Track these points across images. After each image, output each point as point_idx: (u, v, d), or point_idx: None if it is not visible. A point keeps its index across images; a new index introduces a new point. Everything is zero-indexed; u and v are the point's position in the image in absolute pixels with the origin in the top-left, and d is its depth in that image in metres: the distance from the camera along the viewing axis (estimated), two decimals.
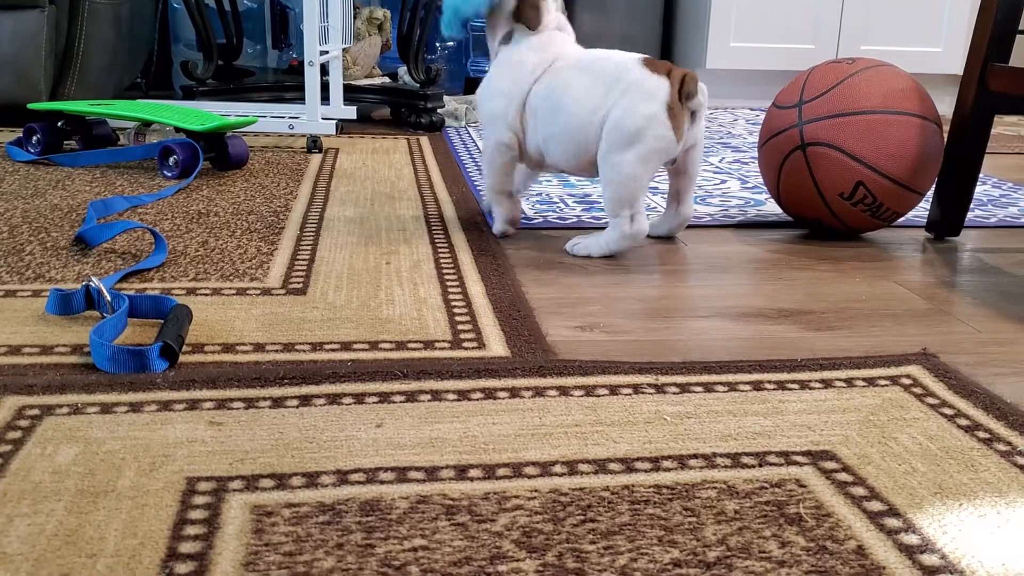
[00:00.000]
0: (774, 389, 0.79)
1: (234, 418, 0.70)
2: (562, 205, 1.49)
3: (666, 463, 0.66)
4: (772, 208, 1.50)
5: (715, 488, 0.62)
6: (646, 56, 1.19)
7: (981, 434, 0.71)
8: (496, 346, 0.87)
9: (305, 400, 0.74)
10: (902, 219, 1.39)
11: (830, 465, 0.66)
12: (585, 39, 1.34)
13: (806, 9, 2.80)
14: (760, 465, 0.66)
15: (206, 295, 0.99)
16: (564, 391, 0.77)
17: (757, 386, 0.79)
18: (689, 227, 1.36)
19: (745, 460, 0.66)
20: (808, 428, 0.72)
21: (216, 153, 1.62)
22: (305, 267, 1.10)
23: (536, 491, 0.61)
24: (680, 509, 0.59)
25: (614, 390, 0.77)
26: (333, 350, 0.85)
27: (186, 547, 0.54)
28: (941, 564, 0.54)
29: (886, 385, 0.80)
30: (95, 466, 0.62)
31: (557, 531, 0.57)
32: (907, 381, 0.81)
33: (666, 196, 1.31)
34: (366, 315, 0.94)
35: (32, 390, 0.73)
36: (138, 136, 1.73)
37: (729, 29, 2.78)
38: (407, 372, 0.79)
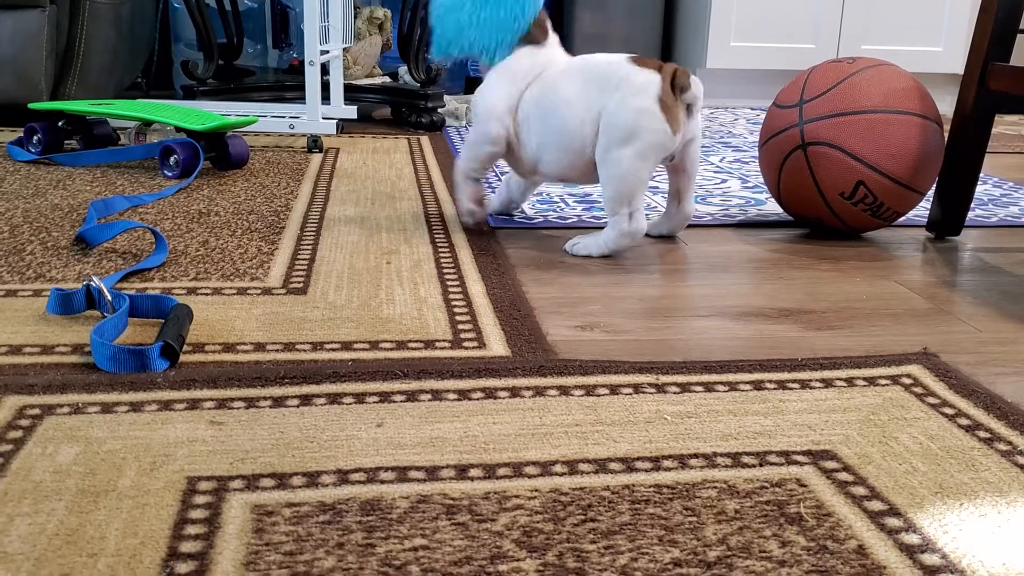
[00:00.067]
0: (775, 389, 0.79)
1: (235, 418, 0.70)
2: (562, 205, 1.49)
3: (667, 463, 0.66)
4: (773, 207, 1.50)
5: (715, 488, 0.62)
6: (634, 55, 1.20)
7: (982, 434, 0.71)
8: (496, 346, 0.87)
9: (306, 400, 0.74)
10: (903, 219, 1.39)
11: (831, 465, 0.66)
12: (585, 39, 1.34)
13: (806, 9, 2.79)
14: (761, 465, 0.66)
15: (207, 295, 0.99)
16: (564, 391, 0.77)
17: (758, 386, 0.79)
18: (689, 226, 1.36)
19: (746, 460, 0.66)
20: (809, 428, 0.72)
21: (217, 153, 1.62)
22: (306, 267, 1.10)
23: (536, 491, 0.61)
24: (680, 509, 0.59)
25: (614, 390, 0.77)
26: (334, 350, 0.85)
27: (187, 546, 0.54)
28: (942, 564, 0.54)
29: (887, 385, 0.80)
30: (96, 466, 0.63)
31: (557, 531, 0.57)
32: (908, 381, 0.81)
33: (667, 195, 1.31)
34: (367, 315, 0.94)
35: (33, 390, 0.73)
36: (139, 136, 1.73)
37: (729, 29, 2.78)
38: (407, 372, 0.79)
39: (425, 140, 2.08)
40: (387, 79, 2.62)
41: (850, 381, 0.81)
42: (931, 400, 0.77)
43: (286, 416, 0.71)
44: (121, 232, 1.19)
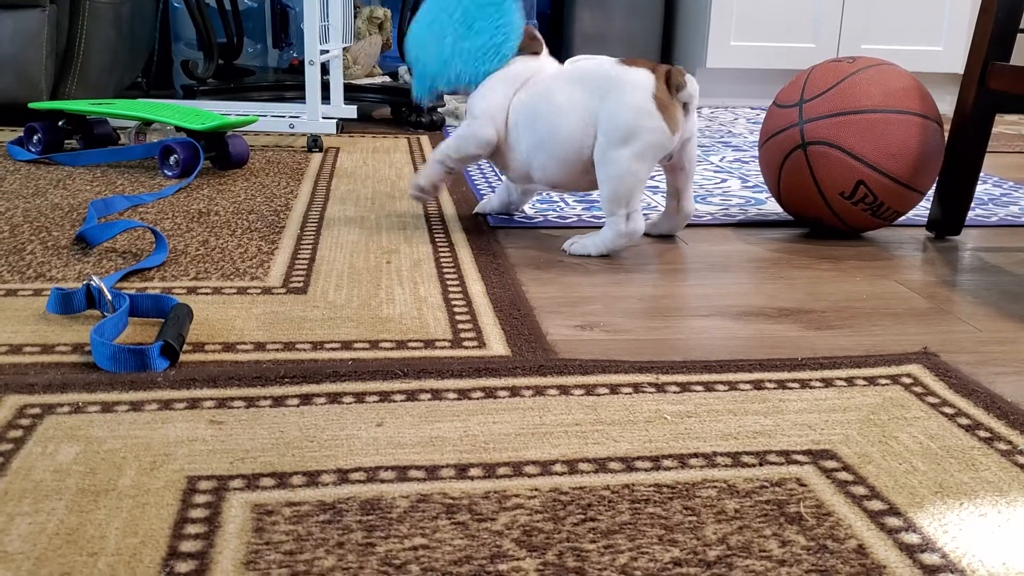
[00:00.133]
0: (775, 388, 0.79)
1: (235, 417, 0.70)
2: (562, 204, 1.49)
3: (666, 462, 0.66)
4: (773, 207, 1.50)
5: (715, 487, 0.62)
6: (623, 58, 1.21)
7: (982, 433, 0.71)
8: (496, 345, 0.87)
9: (306, 399, 0.74)
10: (903, 218, 1.39)
11: (830, 464, 0.66)
12: (585, 39, 1.35)
13: (807, 8, 2.79)
14: (760, 464, 0.66)
15: (207, 294, 0.99)
16: (564, 390, 0.77)
17: (758, 385, 0.79)
18: (689, 226, 1.36)
19: (745, 459, 0.66)
20: (809, 427, 0.72)
21: (217, 152, 1.62)
22: (306, 266, 1.10)
23: (536, 490, 0.61)
24: (680, 508, 0.60)
25: (614, 389, 0.77)
26: (334, 349, 0.85)
27: (187, 546, 0.54)
28: (942, 563, 0.54)
29: (887, 384, 0.80)
30: (96, 465, 0.63)
31: (557, 530, 0.57)
32: (908, 380, 0.81)
33: (665, 195, 1.31)
34: (366, 314, 0.94)
35: (33, 389, 0.73)
36: (139, 135, 1.73)
37: (730, 28, 2.78)
38: (407, 371, 0.79)
39: (425, 140, 2.08)
40: (387, 78, 2.62)
41: (850, 381, 0.81)
42: (931, 400, 0.77)
43: (286, 415, 0.71)
44: (121, 232, 1.19)
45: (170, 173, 1.56)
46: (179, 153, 1.54)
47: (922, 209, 1.47)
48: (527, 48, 1.27)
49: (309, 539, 0.55)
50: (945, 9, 2.83)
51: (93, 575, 0.51)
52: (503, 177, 1.35)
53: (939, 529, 0.58)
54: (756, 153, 2.02)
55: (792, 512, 0.60)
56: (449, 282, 1.06)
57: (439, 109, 2.27)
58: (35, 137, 1.69)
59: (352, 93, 2.32)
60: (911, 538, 0.57)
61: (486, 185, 1.61)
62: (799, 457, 0.67)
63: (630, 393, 0.77)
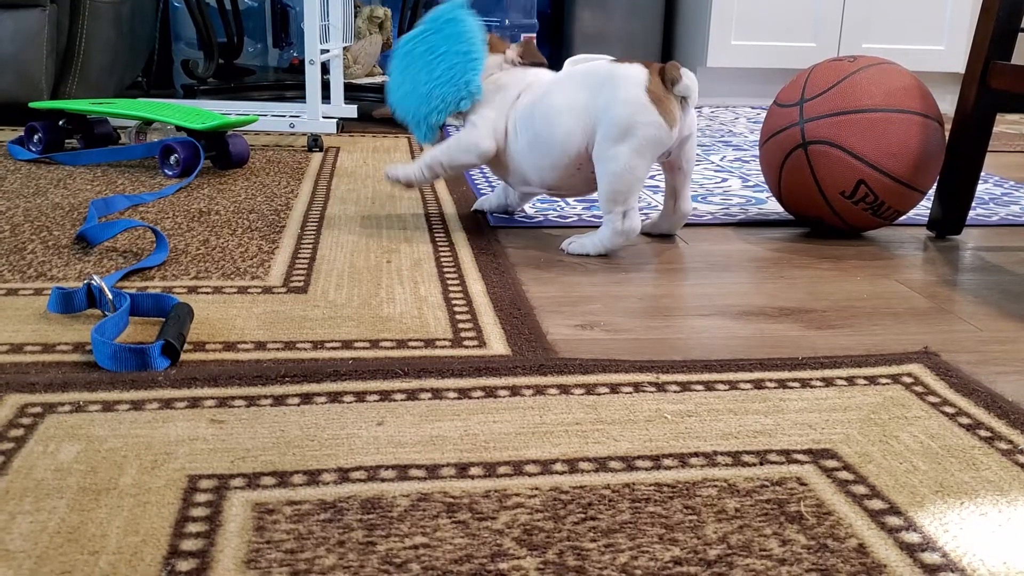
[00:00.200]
0: (775, 387, 0.79)
1: (235, 416, 0.70)
2: (562, 204, 1.49)
3: (667, 461, 0.66)
4: (773, 206, 1.50)
5: (716, 486, 0.62)
6: (621, 58, 1.22)
7: (982, 432, 0.71)
8: (497, 344, 0.87)
9: (306, 398, 0.74)
10: (903, 217, 1.39)
11: (831, 463, 0.66)
12: (585, 38, 1.35)
13: (807, 7, 2.79)
14: (761, 463, 0.66)
15: (207, 293, 0.99)
16: (565, 389, 0.77)
17: (758, 384, 0.79)
18: (690, 225, 1.36)
19: (746, 458, 0.66)
20: (809, 426, 0.72)
21: (217, 152, 1.62)
22: (306, 265, 1.10)
23: (537, 489, 0.61)
24: (681, 507, 0.60)
25: (615, 388, 0.77)
26: (334, 348, 0.85)
27: (188, 544, 0.54)
28: (942, 562, 0.54)
29: (887, 384, 0.80)
30: (97, 464, 0.63)
31: (558, 529, 0.57)
32: (908, 379, 0.81)
33: (664, 194, 1.31)
34: (367, 313, 0.94)
35: (34, 388, 0.73)
36: (139, 135, 1.73)
37: (730, 27, 2.78)
38: (408, 370, 0.79)
39: None
40: (387, 78, 2.62)
41: (851, 380, 0.81)
42: (932, 399, 0.77)
43: (287, 414, 0.71)
44: (122, 231, 1.19)
45: (170, 172, 1.56)
46: (179, 152, 1.54)
47: (923, 208, 1.47)
48: (526, 58, 1.28)
49: (310, 538, 0.55)
50: (946, 8, 2.83)
51: (94, 573, 0.51)
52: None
53: (940, 528, 0.58)
54: (757, 152, 2.02)
55: (793, 511, 0.60)
56: (449, 281, 1.06)
57: None
58: (36, 136, 1.69)
59: (352, 92, 2.32)
60: (911, 537, 0.57)
61: (486, 184, 1.61)
62: (800, 456, 0.67)
63: (630, 392, 0.77)
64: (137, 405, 0.71)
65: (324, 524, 0.56)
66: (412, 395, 0.75)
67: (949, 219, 1.34)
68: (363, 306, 0.97)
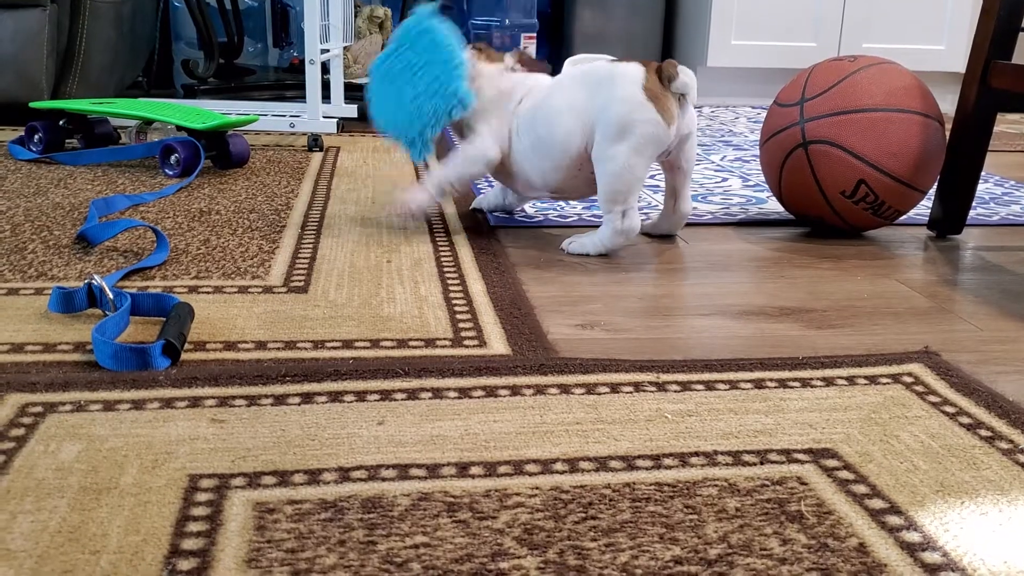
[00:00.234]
0: (775, 387, 0.79)
1: (236, 415, 0.70)
2: (563, 203, 1.49)
3: (667, 461, 0.66)
4: (773, 206, 1.50)
5: (716, 486, 0.62)
6: (620, 58, 1.22)
7: (983, 432, 0.71)
8: (497, 344, 0.87)
9: (307, 398, 0.74)
10: (904, 217, 1.39)
11: (831, 463, 0.66)
12: (586, 38, 1.35)
13: (807, 7, 2.79)
14: (761, 463, 0.66)
15: (208, 293, 0.99)
16: (565, 389, 0.77)
17: (758, 384, 0.79)
18: (690, 225, 1.36)
19: (746, 458, 0.66)
20: (809, 426, 0.72)
21: (217, 152, 1.62)
22: (306, 265, 1.10)
23: (537, 488, 0.61)
24: (681, 507, 0.60)
25: (615, 388, 0.77)
26: (335, 348, 0.85)
27: (189, 544, 0.54)
28: (943, 562, 0.55)
29: (888, 383, 0.80)
30: (98, 463, 0.63)
31: (558, 528, 0.57)
32: (909, 379, 0.81)
33: (664, 194, 1.31)
34: (367, 313, 0.94)
35: (35, 387, 0.73)
36: (139, 135, 1.73)
37: (730, 27, 2.78)
38: (408, 370, 0.79)
39: None
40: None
41: (851, 380, 0.81)
42: (932, 399, 0.77)
43: (287, 414, 0.71)
44: (122, 231, 1.19)
45: (171, 172, 1.56)
46: (180, 152, 1.54)
47: (923, 208, 1.47)
48: (526, 66, 1.28)
49: (311, 537, 0.55)
50: (946, 8, 2.83)
51: (95, 573, 0.51)
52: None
53: (940, 528, 0.58)
54: (757, 152, 2.02)
55: (793, 510, 0.60)
56: (450, 281, 1.06)
57: None
58: (36, 136, 1.69)
59: (353, 92, 2.32)
60: (912, 537, 0.57)
61: (485, 182, 1.61)
62: (800, 456, 0.67)
63: (631, 392, 0.77)
64: (138, 404, 0.72)
65: (325, 523, 0.56)
66: (413, 395, 0.75)
67: (950, 219, 1.34)
68: (363, 306, 0.97)
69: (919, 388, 0.79)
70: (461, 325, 0.92)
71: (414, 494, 0.60)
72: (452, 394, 0.75)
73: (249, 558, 0.53)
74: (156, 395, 0.73)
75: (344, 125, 2.12)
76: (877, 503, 0.61)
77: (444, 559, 0.53)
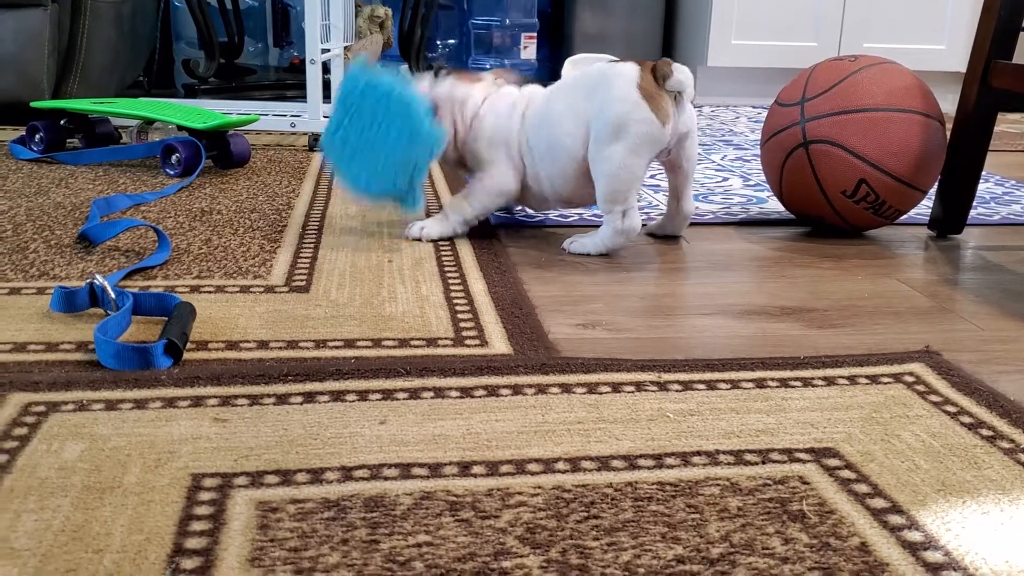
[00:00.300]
0: (777, 387, 0.79)
1: (239, 415, 0.70)
2: None
3: (669, 460, 0.66)
4: (774, 205, 1.50)
5: (718, 485, 0.62)
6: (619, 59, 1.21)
7: (984, 431, 0.72)
8: (498, 343, 0.87)
9: (309, 397, 0.74)
10: (904, 217, 1.39)
11: (833, 462, 0.66)
12: (586, 38, 1.35)
13: (808, 6, 2.80)
14: (763, 462, 0.66)
15: (210, 292, 0.99)
16: (567, 388, 0.77)
17: (760, 383, 0.79)
18: (691, 224, 1.36)
19: (748, 457, 0.66)
20: (811, 425, 0.72)
21: (218, 151, 1.62)
22: (308, 265, 1.10)
23: (539, 488, 0.61)
24: (683, 506, 0.60)
25: (617, 387, 0.77)
26: (336, 347, 0.85)
27: (192, 543, 0.54)
28: (944, 561, 0.55)
29: (889, 383, 0.80)
30: (101, 462, 0.63)
31: (561, 527, 0.57)
32: (910, 379, 0.81)
33: (667, 195, 1.31)
34: (369, 312, 0.94)
35: (37, 387, 0.74)
36: (140, 134, 1.73)
37: (731, 26, 2.78)
38: (410, 369, 0.79)
39: None
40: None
41: (852, 379, 0.81)
42: (933, 398, 0.77)
43: (290, 413, 0.71)
44: (124, 230, 1.19)
45: (172, 172, 1.56)
46: (181, 152, 1.54)
47: (924, 208, 1.47)
48: (508, 82, 1.26)
49: (314, 536, 0.55)
50: (947, 7, 2.83)
51: (99, 572, 0.51)
52: None
53: (942, 527, 0.58)
54: (757, 152, 2.02)
55: (795, 510, 0.60)
56: (451, 281, 1.06)
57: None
58: (37, 136, 1.69)
59: None
60: (914, 536, 0.57)
61: None
62: (802, 455, 0.67)
63: (632, 391, 0.77)
64: (140, 404, 0.72)
65: (328, 522, 0.57)
66: (414, 394, 0.75)
67: (950, 218, 1.34)
68: (365, 305, 0.97)
69: (920, 388, 0.79)
70: (462, 325, 0.92)
71: (416, 493, 0.60)
72: (454, 393, 0.75)
73: (252, 557, 0.53)
74: (158, 394, 0.73)
75: None
76: (879, 502, 0.61)
77: (447, 558, 0.53)
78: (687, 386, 0.78)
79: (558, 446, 0.67)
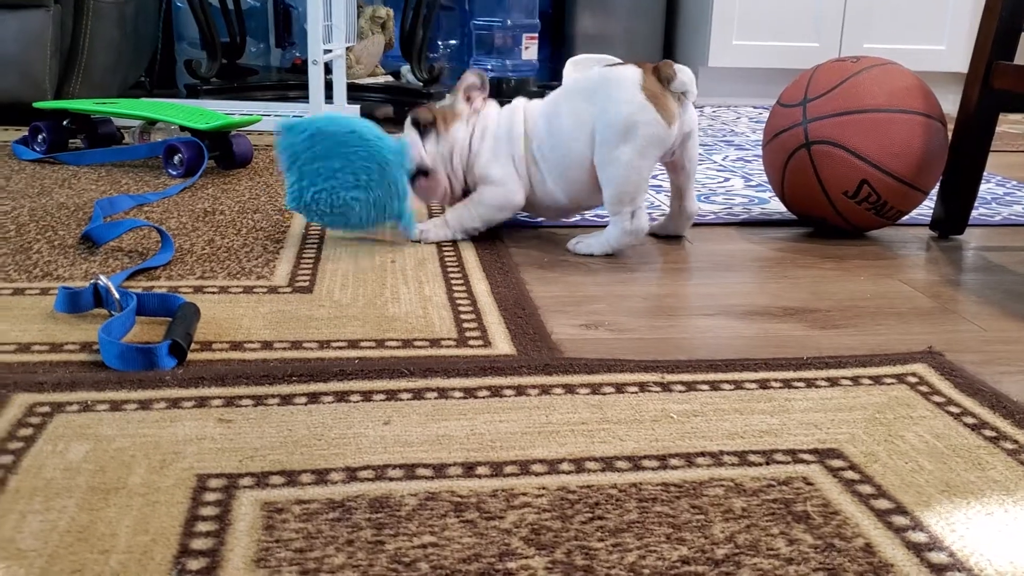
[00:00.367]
0: (780, 387, 0.79)
1: (243, 415, 0.71)
2: None
3: (673, 461, 0.66)
4: (776, 206, 1.50)
5: (722, 486, 0.63)
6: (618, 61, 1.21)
7: (987, 432, 0.72)
8: (502, 344, 0.88)
9: (313, 397, 0.74)
10: (906, 217, 1.39)
11: (837, 463, 0.66)
12: (586, 39, 1.35)
13: (808, 7, 2.80)
14: (767, 463, 0.66)
15: (213, 293, 0.99)
16: (570, 389, 0.77)
17: (763, 384, 0.79)
18: (693, 225, 1.36)
19: (752, 458, 0.67)
20: (815, 426, 0.72)
21: (221, 152, 1.62)
22: (311, 265, 1.10)
23: (544, 488, 0.61)
24: (688, 507, 0.60)
25: (620, 388, 0.77)
26: (340, 348, 0.85)
27: (198, 543, 0.54)
28: (949, 562, 0.55)
29: (892, 383, 0.80)
30: (106, 463, 0.63)
31: (565, 528, 0.57)
32: (913, 379, 0.81)
33: (669, 195, 1.31)
34: (372, 313, 0.95)
35: (42, 388, 0.74)
36: (143, 135, 1.73)
37: (732, 27, 2.78)
38: (414, 370, 0.79)
39: None
40: (390, 78, 2.62)
41: (856, 380, 0.81)
42: (937, 399, 0.77)
43: (294, 414, 0.71)
44: (127, 231, 1.20)
45: (174, 172, 1.56)
46: (183, 152, 1.54)
47: (926, 208, 1.47)
48: (480, 93, 1.25)
49: (319, 537, 0.55)
50: (948, 8, 2.84)
51: (105, 572, 0.51)
52: None
53: (946, 528, 0.58)
54: (759, 152, 2.02)
55: (799, 511, 0.60)
56: (454, 281, 1.06)
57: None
58: (40, 136, 1.69)
59: (355, 92, 2.32)
60: (918, 537, 0.57)
61: None
62: (806, 456, 0.67)
63: (636, 392, 0.77)
64: (145, 404, 0.72)
65: (333, 523, 0.57)
66: (418, 394, 0.75)
67: (952, 219, 1.34)
68: (368, 306, 0.97)
69: (923, 388, 0.79)
70: (465, 325, 0.92)
71: (421, 494, 0.60)
72: (457, 394, 0.75)
73: (258, 558, 0.53)
74: (163, 395, 0.73)
75: None
76: (883, 503, 0.61)
77: (452, 559, 0.53)
78: (690, 387, 0.78)
79: (562, 447, 0.67)
